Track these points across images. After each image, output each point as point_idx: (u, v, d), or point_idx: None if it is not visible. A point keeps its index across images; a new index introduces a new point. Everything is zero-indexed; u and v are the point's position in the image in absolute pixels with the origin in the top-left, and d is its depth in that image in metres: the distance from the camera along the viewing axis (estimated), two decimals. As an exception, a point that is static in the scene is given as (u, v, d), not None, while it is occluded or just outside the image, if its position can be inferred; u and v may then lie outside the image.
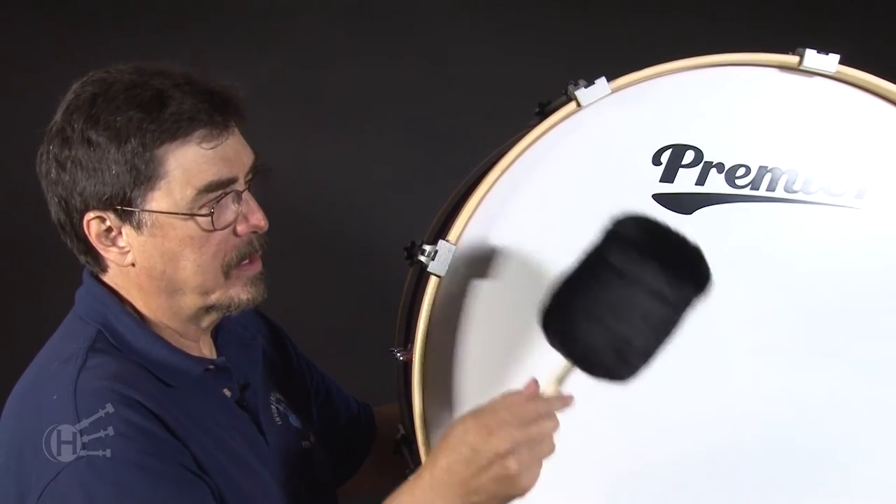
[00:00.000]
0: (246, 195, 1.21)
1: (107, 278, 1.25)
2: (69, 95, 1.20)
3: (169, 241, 1.18)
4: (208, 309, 1.24)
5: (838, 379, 1.32)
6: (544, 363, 1.27)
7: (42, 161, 1.21)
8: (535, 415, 1.09)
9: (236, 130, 1.21)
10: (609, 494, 1.31)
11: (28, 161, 2.18)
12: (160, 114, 1.15)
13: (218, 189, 1.18)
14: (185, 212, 1.17)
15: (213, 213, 1.17)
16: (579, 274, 1.12)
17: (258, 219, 1.21)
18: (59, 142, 1.18)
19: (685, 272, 1.10)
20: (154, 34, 2.19)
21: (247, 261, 1.23)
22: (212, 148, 1.17)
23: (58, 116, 1.20)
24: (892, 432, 1.35)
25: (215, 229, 1.18)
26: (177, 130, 1.15)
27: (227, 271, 1.22)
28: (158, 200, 1.16)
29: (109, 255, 1.21)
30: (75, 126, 1.17)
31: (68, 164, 1.17)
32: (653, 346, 1.09)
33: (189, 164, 1.16)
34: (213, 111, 1.17)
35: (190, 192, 1.16)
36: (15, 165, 2.14)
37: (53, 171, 1.19)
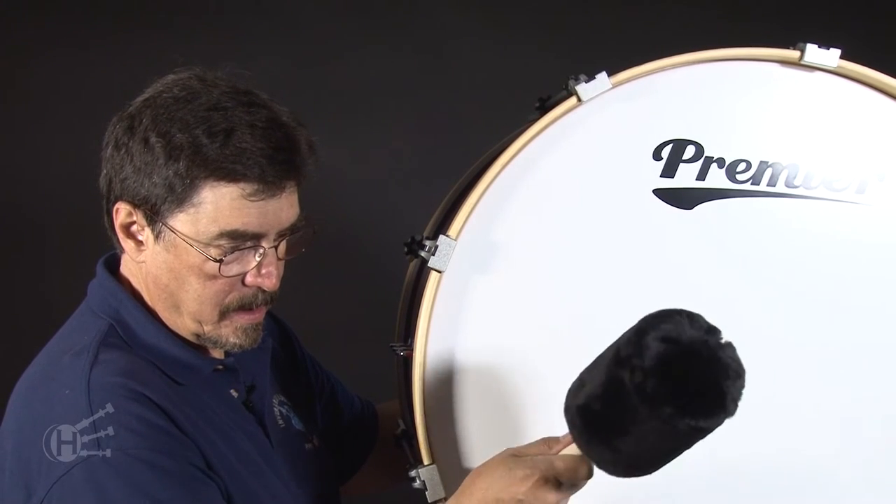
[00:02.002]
0: (270, 252, 1.19)
1: (123, 264, 1.26)
2: (158, 85, 1.20)
3: (179, 263, 1.18)
4: (199, 337, 1.23)
5: (840, 373, 1.32)
6: (544, 358, 1.28)
7: (109, 130, 1.21)
8: (575, 472, 1.11)
9: (287, 191, 1.18)
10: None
11: (28, 156, 2.18)
12: (220, 148, 1.13)
13: (240, 239, 1.16)
14: (201, 245, 1.16)
15: (221, 260, 1.16)
16: (604, 380, 1.05)
17: (269, 278, 1.20)
18: (125, 126, 1.18)
19: (707, 399, 1.00)
20: (152, 28, 2.19)
21: (247, 309, 1.22)
22: (253, 201, 1.15)
23: (139, 99, 1.19)
24: (892, 426, 1.35)
25: (220, 275, 1.18)
26: (225, 173, 1.14)
27: (224, 312, 1.21)
28: (183, 223, 1.16)
29: (126, 245, 1.21)
30: (144, 120, 1.16)
31: (122, 150, 1.18)
32: (664, 461, 1.06)
33: (223, 205, 1.15)
34: (270, 168, 1.15)
35: (213, 230, 1.15)
36: (16, 160, 2.16)
37: (111, 147, 1.20)
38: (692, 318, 1.03)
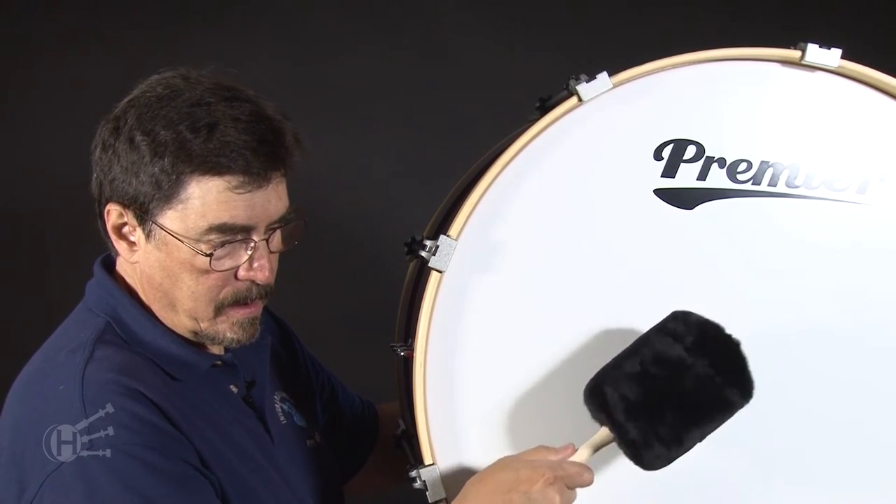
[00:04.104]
0: (262, 245, 1.20)
1: (119, 264, 1.27)
2: (142, 85, 1.20)
3: (171, 260, 1.18)
4: (196, 334, 1.24)
5: (842, 374, 1.32)
6: (545, 358, 1.28)
7: (97, 134, 1.22)
8: (580, 476, 1.15)
9: (274, 181, 1.19)
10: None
11: (28, 156, 2.19)
12: (204, 143, 1.14)
13: (229, 232, 1.17)
14: (191, 241, 1.16)
15: (211, 254, 1.17)
16: (636, 358, 1.18)
17: (261, 271, 1.20)
18: (111, 127, 1.19)
19: (735, 382, 1.17)
20: (152, 29, 2.19)
21: (243, 304, 1.23)
22: (239, 193, 1.16)
23: (123, 101, 1.20)
24: (894, 426, 1.35)
25: (212, 270, 1.18)
26: (211, 166, 1.14)
27: (219, 307, 1.22)
28: (172, 220, 1.16)
29: (119, 246, 1.22)
30: (129, 120, 1.17)
31: (110, 152, 1.18)
32: (686, 447, 1.16)
33: (210, 199, 1.15)
34: (254, 160, 1.15)
35: (202, 225, 1.16)
36: (16, 160, 2.16)
37: (98, 149, 1.21)
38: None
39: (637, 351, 1.19)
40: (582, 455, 1.18)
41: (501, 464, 1.16)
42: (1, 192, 2.17)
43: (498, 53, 2.29)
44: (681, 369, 1.16)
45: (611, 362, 1.20)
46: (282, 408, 1.37)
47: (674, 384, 1.15)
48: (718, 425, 1.17)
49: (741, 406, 1.18)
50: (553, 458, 1.16)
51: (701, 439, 1.16)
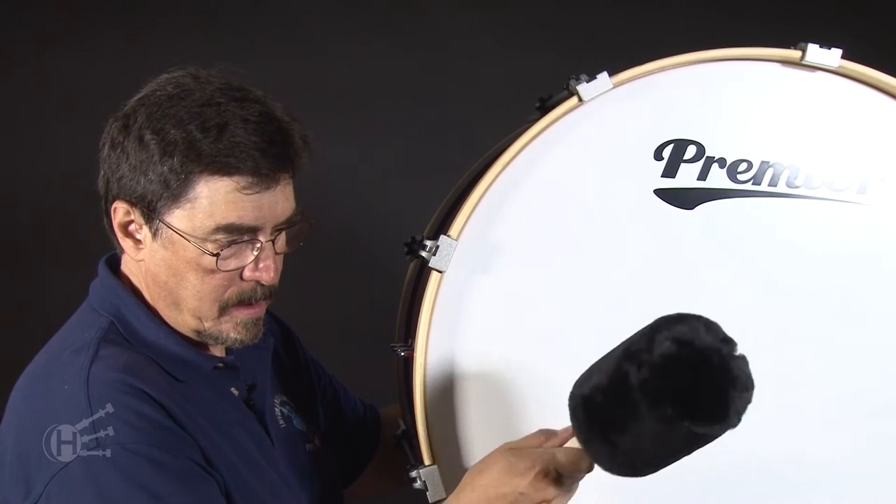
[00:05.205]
0: (268, 246, 1.20)
1: (124, 263, 1.27)
2: (151, 84, 1.20)
3: (177, 259, 1.18)
4: (200, 333, 1.24)
5: (842, 373, 1.32)
6: (545, 358, 1.28)
7: (105, 131, 1.22)
8: (576, 465, 1.10)
9: (282, 183, 1.19)
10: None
11: (28, 156, 2.18)
12: (214, 143, 1.14)
13: (236, 233, 1.17)
14: (197, 241, 1.17)
15: (218, 254, 1.17)
16: (611, 372, 1.04)
17: (267, 272, 1.20)
18: (120, 125, 1.19)
19: (710, 406, 0.99)
20: (153, 28, 2.19)
21: (247, 304, 1.23)
22: (247, 194, 1.16)
23: (133, 100, 1.20)
24: (893, 425, 1.35)
25: (217, 270, 1.18)
26: (220, 166, 1.14)
27: (224, 307, 1.21)
28: (179, 219, 1.16)
29: (125, 244, 1.22)
30: (139, 118, 1.17)
31: (118, 150, 1.18)
32: (661, 464, 1.04)
33: (218, 198, 1.15)
34: (263, 161, 1.15)
35: (209, 224, 1.16)
36: (16, 161, 2.16)
37: (107, 147, 1.20)
38: (709, 326, 1.01)
39: (627, 395, 1.01)
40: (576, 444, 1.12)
41: (497, 455, 1.14)
42: (1, 192, 2.17)
43: (498, 53, 2.29)
44: (670, 426, 0.98)
45: (592, 381, 1.06)
46: (281, 411, 1.37)
47: (666, 451, 1.02)
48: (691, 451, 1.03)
49: (716, 434, 1.00)
50: (550, 444, 1.14)
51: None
